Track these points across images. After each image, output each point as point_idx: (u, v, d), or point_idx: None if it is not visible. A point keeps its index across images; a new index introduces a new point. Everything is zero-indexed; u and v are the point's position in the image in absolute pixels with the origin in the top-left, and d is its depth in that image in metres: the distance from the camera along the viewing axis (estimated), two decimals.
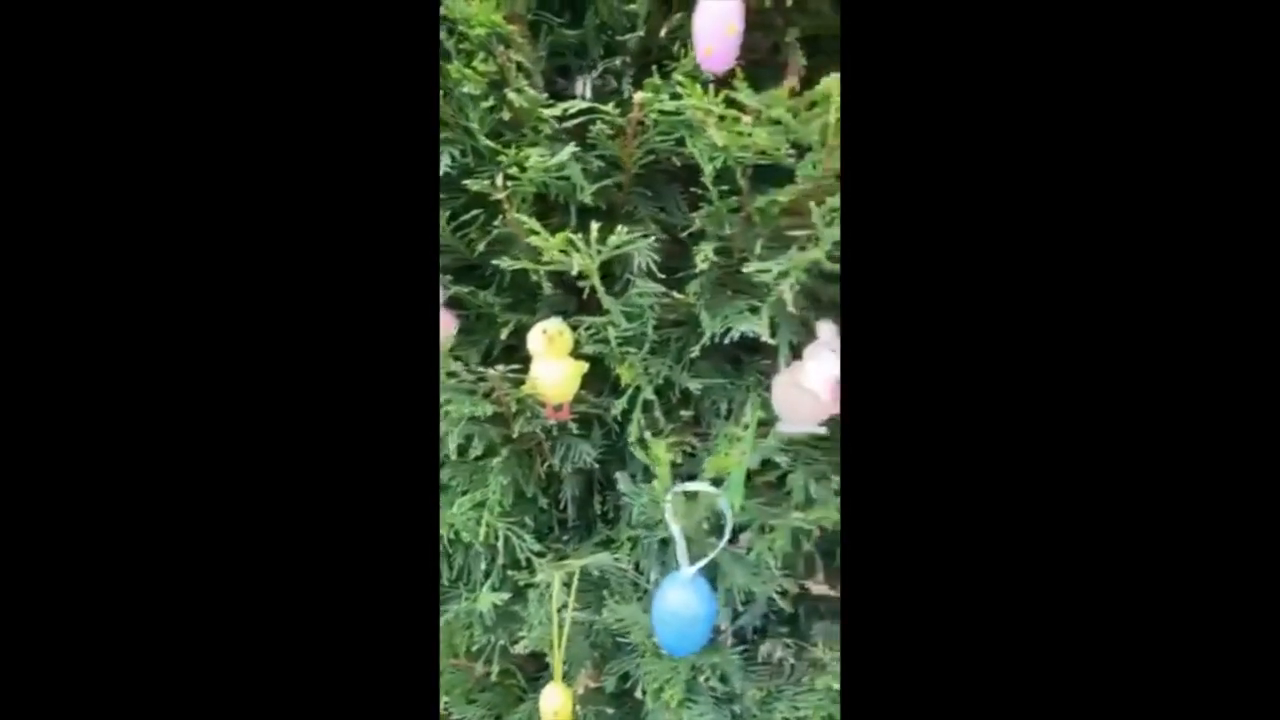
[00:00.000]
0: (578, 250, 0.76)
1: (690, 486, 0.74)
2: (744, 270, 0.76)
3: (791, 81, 0.85)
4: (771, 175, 0.79)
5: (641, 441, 0.80)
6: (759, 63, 0.88)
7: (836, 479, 0.93)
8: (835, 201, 0.72)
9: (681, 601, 0.73)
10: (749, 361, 0.94)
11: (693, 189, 0.82)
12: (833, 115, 0.68)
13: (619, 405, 0.85)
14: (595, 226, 0.76)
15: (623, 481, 0.81)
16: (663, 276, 0.85)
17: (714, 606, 0.75)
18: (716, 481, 0.79)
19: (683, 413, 0.95)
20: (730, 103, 0.70)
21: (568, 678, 0.93)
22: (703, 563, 0.75)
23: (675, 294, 0.87)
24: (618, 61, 0.83)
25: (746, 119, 0.68)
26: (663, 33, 0.79)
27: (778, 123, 0.70)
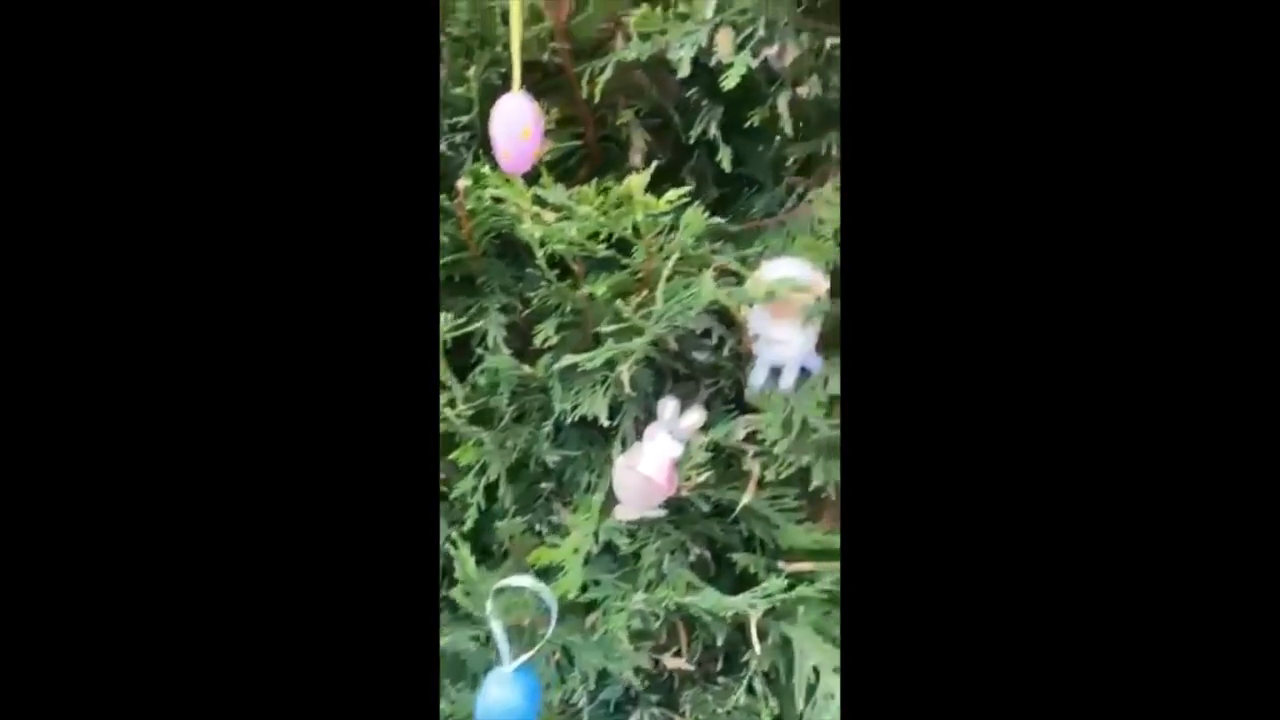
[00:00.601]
0: None
1: (513, 581, 0.74)
2: (556, 366, 0.75)
3: (636, 159, 0.84)
4: (607, 262, 0.78)
5: (452, 542, 0.79)
6: (608, 138, 0.88)
7: (697, 549, 0.93)
8: (652, 294, 0.72)
9: (498, 698, 0.73)
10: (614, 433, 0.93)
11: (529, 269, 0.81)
12: (639, 214, 0.68)
13: (462, 486, 0.85)
14: None
15: (459, 567, 0.80)
16: (508, 352, 0.85)
17: (535, 702, 0.74)
18: (544, 571, 0.78)
19: (543, 484, 0.94)
20: (539, 199, 0.69)
21: None
22: (526, 657, 0.75)
23: (526, 367, 0.86)
24: (457, 138, 0.82)
25: (549, 216, 0.67)
26: None
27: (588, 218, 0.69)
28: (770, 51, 0.71)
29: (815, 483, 0.76)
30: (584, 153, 0.89)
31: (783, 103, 0.74)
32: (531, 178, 0.73)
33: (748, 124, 0.76)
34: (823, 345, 0.76)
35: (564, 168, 0.89)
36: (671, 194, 0.67)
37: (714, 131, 0.76)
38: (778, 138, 0.77)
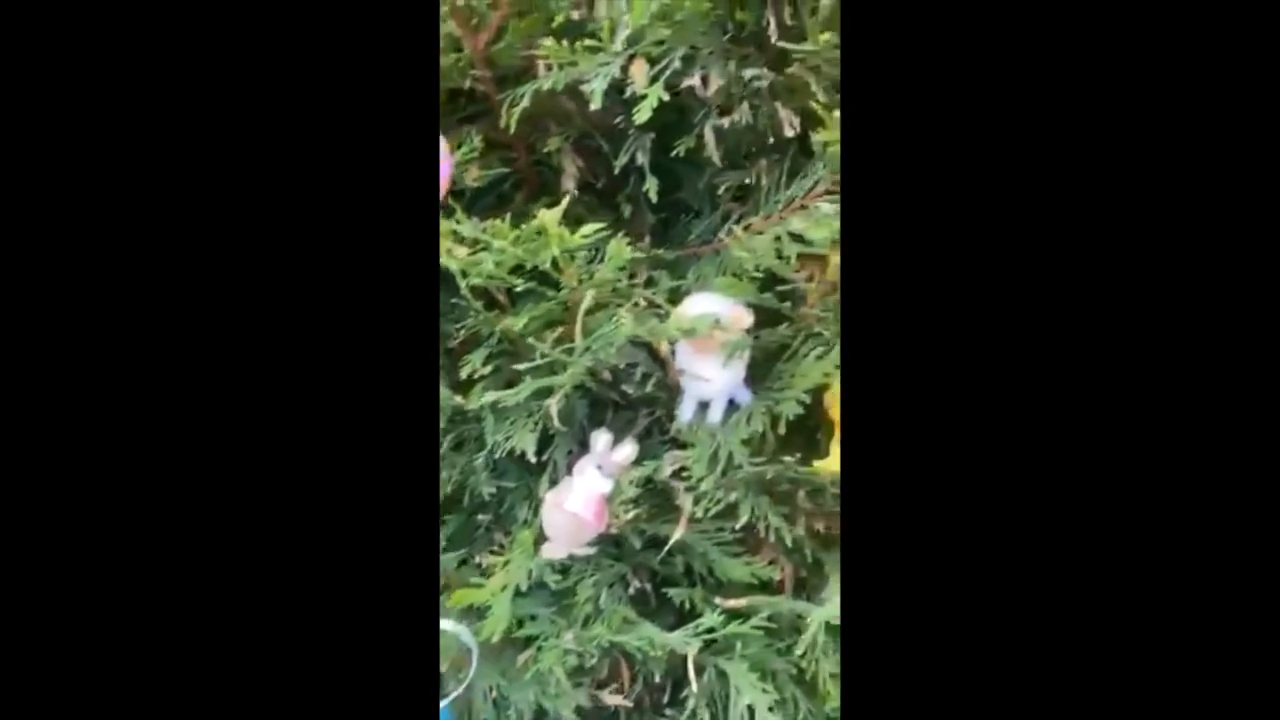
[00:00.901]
0: None
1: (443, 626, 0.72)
2: (481, 401, 0.73)
3: (568, 185, 0.83)
4: (532, 294, 0.76)
5: None
6: (541, 163, 0.86)
7: (636, 582, 0.91)
8: (569, 330, 0.70)
9: None
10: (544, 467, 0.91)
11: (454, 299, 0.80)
12: (555, 248, 0.66)
13: None
14: None
15: None
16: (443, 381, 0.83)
17: None
18: (469, 610, 0.77)
19: (480, 516, 0.93)
20: (455, 233, 0.68)
21: None
22: (447, 701, 0.73)
23: (458, 398, 0.84)
24: None
25: (460, 251, 0.66)
26: None
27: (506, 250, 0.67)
28: (694, 80, 0.69)
29: (743, 519, 0.75)
30: (518, 178, 0.87)
31: (709, 131, 0.73)
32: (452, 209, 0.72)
33: (674, 152, 0.74)
34: (751, 379, 0.75)
35: (498, 192, 0.87)
36: (588, 228, 0.65)
37: (642, 159, 0.74)
38: (708, 168, 0.76)
